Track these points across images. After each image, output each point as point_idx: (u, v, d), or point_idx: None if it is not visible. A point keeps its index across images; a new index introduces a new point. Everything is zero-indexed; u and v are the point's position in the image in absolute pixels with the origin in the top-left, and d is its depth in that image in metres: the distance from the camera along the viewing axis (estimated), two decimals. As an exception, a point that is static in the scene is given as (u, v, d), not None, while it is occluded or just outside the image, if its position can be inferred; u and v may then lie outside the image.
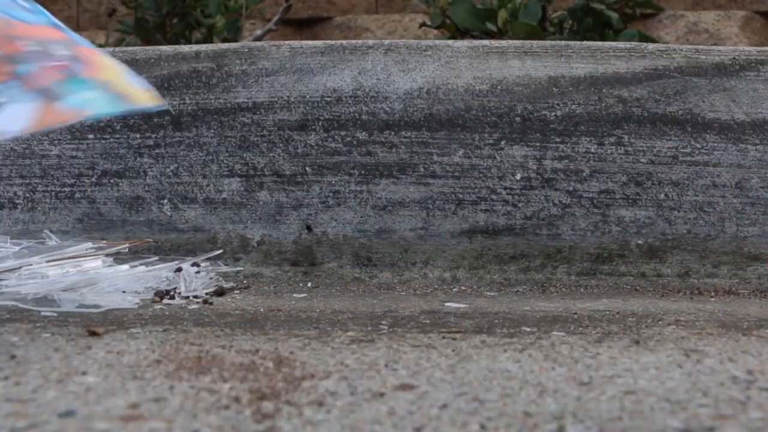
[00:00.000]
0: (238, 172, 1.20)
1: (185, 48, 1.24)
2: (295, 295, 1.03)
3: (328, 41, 1.23)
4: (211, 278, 1.05)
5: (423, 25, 1.92)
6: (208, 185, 1.21)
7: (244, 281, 1.14)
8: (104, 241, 1.14)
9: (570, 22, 1.73)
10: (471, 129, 1.19)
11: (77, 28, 2.69)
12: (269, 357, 0.64)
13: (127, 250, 1.09)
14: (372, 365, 0.62)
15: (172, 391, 0.54)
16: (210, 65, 1.22)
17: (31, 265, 0.95)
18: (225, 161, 1.21)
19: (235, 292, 1.04)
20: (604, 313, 0.91)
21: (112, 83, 0.60)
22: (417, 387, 0.56)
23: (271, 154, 1.20)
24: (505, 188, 1.18)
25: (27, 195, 1.23)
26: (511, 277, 1.16)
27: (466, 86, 1.19)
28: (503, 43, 1.22)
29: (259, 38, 1.87)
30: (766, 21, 2.65)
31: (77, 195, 1.22)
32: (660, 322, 0.83)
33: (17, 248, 1.04)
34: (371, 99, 1.20)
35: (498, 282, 1.15)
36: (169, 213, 1.21)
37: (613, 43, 1.22)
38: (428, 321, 0.83)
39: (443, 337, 0.73)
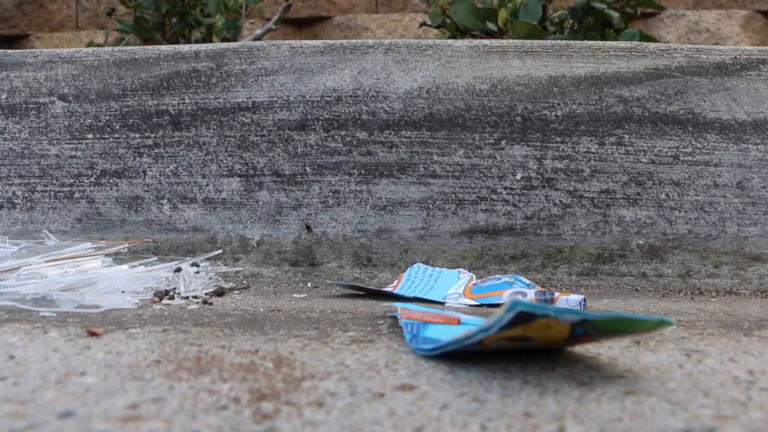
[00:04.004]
0: (238, 171, 1.20)
1: (185, 47, 1.24)
2: (294, 295, 1.03)
3: (328, 41, 1.23)
4: (211, 278, 1.05)
5: (423, 24, 1.92)
6: (207, 185, 1.21)
7: (244, 281, 1.13)
8: (103, 241, 1.13)
9: (570, 21, 1.73)
10: (471, 129, 1.19)
11: (76, 27, 2.69)
12: (269, 357, 0.64)
13: (126, 250, 1.09)
14: (372, 365, 0.62)
15: (171, 392, 0.54)
16: (209, 65, 1.22)
17: (30, 265, 0.95)
18: (224, 161, 1.21)
19: (235, 292, 1.04)
20: (605, 313, 0.90)
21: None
22: (417, 387, 0.56)
23: (270, 154, 1.20)
24: (506, 188, 1.18)
25: (26, 195, 1.23)
26: (511, 277, 1.16)
27: (466, 86, 1.19)
28: (504, 42, 1.22)
29: (258, 38, 1.86)
30: (767, 20, 2.65)
31: (76, 195, 1.22)
32: (661, 322, 0.83)
33: (16, 248, 1.04)
34: (371, 98, 1.20)
35: (498, 282, 1.15)
36: (168, 213, 1.20)
37: (614, 43, 1.22)
38: (428, 321, 0.82)
39: (443, 338, 0.73)
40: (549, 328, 0.57)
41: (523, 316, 0.55)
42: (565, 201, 1.18)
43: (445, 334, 0.68)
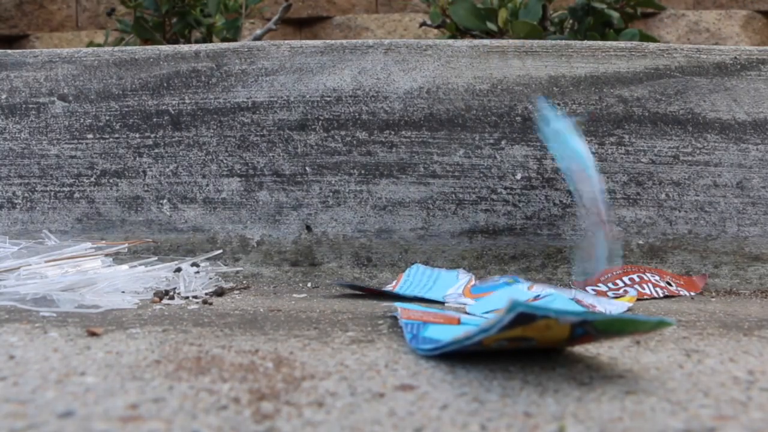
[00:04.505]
0: (238, 171, 1.20)
1: (185, 47, 1.24)
2: (294, 295, 1.03)
3: (328, 41, 1.23)
4: (211, 278, 1.05)
5: (423, 24, 1.92)
6: (207, 185, 1.21)
7: (244, 281, 1.13)
8: (103, 241, 1.13)
9: (570, 21, 1.73)
10: (471, 129, 1.19)
11: (76, 27, 2.69)
12: (269, 357, 0.64)
13: (126, 250, 1.09)
14: (372, 366, 0.62)
15: (171, 392, 0.54)
16: (209, 65, 1.22)
17: (30, 265, 0.95)
18: (224, 161, 1.21)
19: (235, 292, 1.04)
20: (605, 313, 0.90)
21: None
22: (417, 387, 0.56)
23: (270, 154, 1.20)
24: (506, 188, 1.18)
25: (26, 195, 1.23)
26: (511, 277, 1.16)
27: (466, 86, 1.19)
28: (504, 42, 1.22)
29: (258, 38, 1.86)
30: (767, 20, 2.65)
31: (76, 195, 1.22)
32: (661, 322, 0.83)
33: (16, 248, 1.04)
34: (371, 98, 1.20)
35: (498, 282, 1.15)
36: (168, 213, 1.21)
37: (614, 43, 1.22)
38: (428, 321, 0.82)
39: (443, 338, 0.73)
40: (549, 328, 0.57)
41: (524, 317, 0.55)
42: (565, 201, 1.18)
43: (445, 334, 0.68)
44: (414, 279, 1.06)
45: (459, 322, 0.74)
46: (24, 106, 1.24)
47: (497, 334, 0.57)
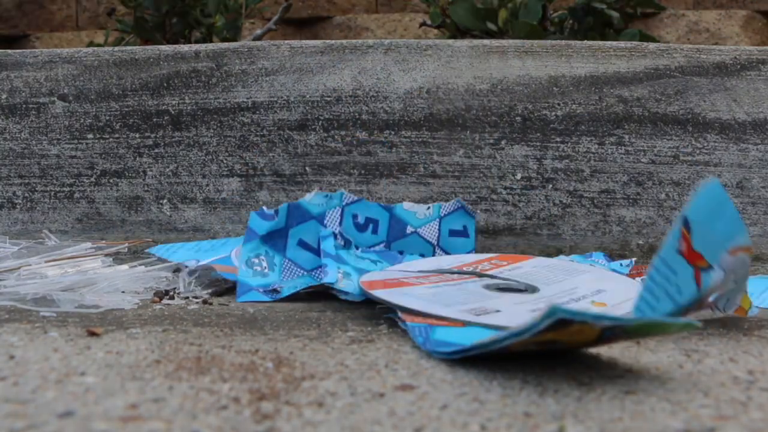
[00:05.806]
0: (238, 171, 1.20)
1: (185, 47, 1.24)
2: (294, 295, 1.03)
3: (328, 41, 1.23)
4: (211, 278, 1.05)
5: (423, 24, 1.92)
6: (207, 185, 1.21)
7: (244, 281, 1.13)
8: (103, 241, 1.13)
9: (570, 21, 1.73)
10: (471, 129, 1.19)
11: (76, 27, 2.69)
12: (269, 357, 0.64)
13: (126, 250, 1.09)
14: (372, 365, 0.62)
15: (171, 392, 0.54)
16: (209, 65, 1.22)
17: (30, 265, 0.95)
18: (224, 161, 1.21)
19: (235, 292, 1.04)
20: (605, 313, 0.90)
21: None
22: (417, 387, 0.56)
23: (270, 154, 1.20)
24: (506, 188, 1.18)
25: (26, 195, 1.23)
26: (511, 277, 1.16)
27: (466, 86, 1.19)
28: (504, 42, 1.22)
29: (258, 38, 1.87)
30: (767, 20, 2.65)
31: (76, 195, 1.22)
32: (661, 322, 0.83)
33: (16, 248, 1.04)
34: (371, 98, 1.20)
35: (498, 282, 1.15)
36: (168, 213, 1.21)
37: (614, 43, 1.22)
38: (428, 321, 0.82)
39: (443, 338, 0.73)
40: (581, 332, 0.56)
41: (561, 322, 0.53)
42: (565, 201, 1.18)
43: (453, 336, 0.68)
44: None
45: (464, 324, 0.73)
46: (24, 106, 1.24)
47: (530, 338, 0.56)
